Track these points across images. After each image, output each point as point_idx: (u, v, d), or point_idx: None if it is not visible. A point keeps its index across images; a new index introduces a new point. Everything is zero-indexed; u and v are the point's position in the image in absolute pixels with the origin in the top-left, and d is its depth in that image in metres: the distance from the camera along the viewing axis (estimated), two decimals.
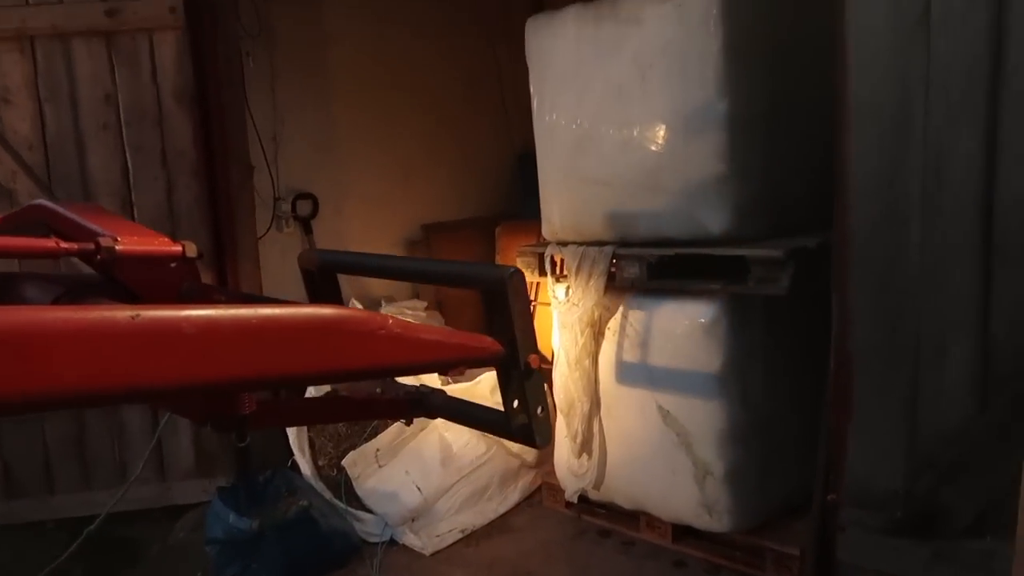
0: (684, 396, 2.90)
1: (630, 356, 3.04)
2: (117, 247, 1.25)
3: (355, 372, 1.31)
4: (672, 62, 2.74)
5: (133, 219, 3.55)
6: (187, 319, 0.97)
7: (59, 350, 0.86)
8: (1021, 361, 1.63)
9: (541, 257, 3.31)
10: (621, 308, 3.06)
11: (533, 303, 4.81)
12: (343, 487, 3.65)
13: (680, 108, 2.75)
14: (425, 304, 4.77)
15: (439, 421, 3.74)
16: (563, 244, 3.22)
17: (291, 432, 3.82)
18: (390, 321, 1.20)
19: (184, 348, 0.96)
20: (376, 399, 1.66)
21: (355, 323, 1.17)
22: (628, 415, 3.10)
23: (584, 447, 3.24)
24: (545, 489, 3.68)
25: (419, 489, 3.54)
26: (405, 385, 1.65)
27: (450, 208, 5.18)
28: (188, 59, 3.59)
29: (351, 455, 3.67)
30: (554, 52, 3.13)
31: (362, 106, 4.69)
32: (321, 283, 1.64)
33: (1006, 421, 1.70)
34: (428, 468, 3.61)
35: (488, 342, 1.40)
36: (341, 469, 3.68)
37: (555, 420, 3.45)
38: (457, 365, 1.50)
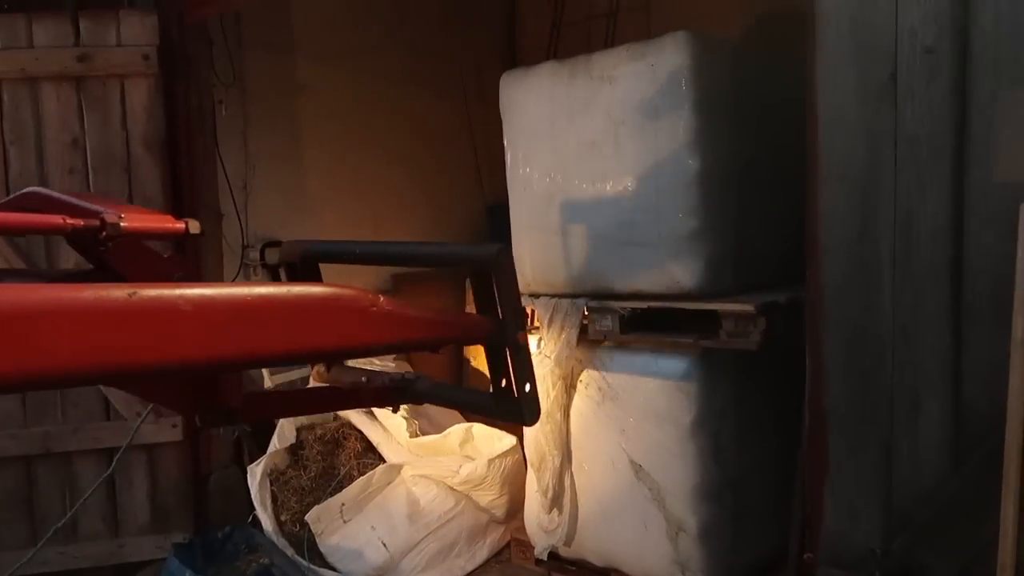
0: (657, 451, 2.88)
1: (602, 409, 3.02)
2: (122, 223, 1.24)
3: (348, 350, 1.31)
4: (644, 119, 2.79)
5: None
6: (183, 297, 0.98)
7: (57, 327, 0.86)
8: (994, 421, 1.65)
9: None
10: (593, 361, 3.05)
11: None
12: (306, 543, 3.53)
13: (652, 164, 2.79)
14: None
15: (406, 475, 3.67)
16: (535, 296, 3.21)
17: (252, 485, 3.70)
18: (381, 299, 1.21)
19: (181, 326, 0.97)
20: (362, 388, 1.66)
21: (348, 300, 1.18)
22: (600, 470, 3.07)
23: (555, 502, 3.19)
24: (514, 545, 3.61)
25: (385, 545, 3.44)
26: (390, 373, 1.65)
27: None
28: (160, 106, 3.57)
29: (315, 510, 3.57)
30: (528, 106, 3.17)
31: (334, 155, 4.69)
32: (303, 275, 1.63)
33: (981, 480, 1.71)
34: (395, 523, 3.52)
35: (478, 320, 1.43)
36: (304, 524, 3.57)
37: (526, 471, 3.40)
38: (448, 343, 1.52)
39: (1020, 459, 1.60)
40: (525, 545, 3.48)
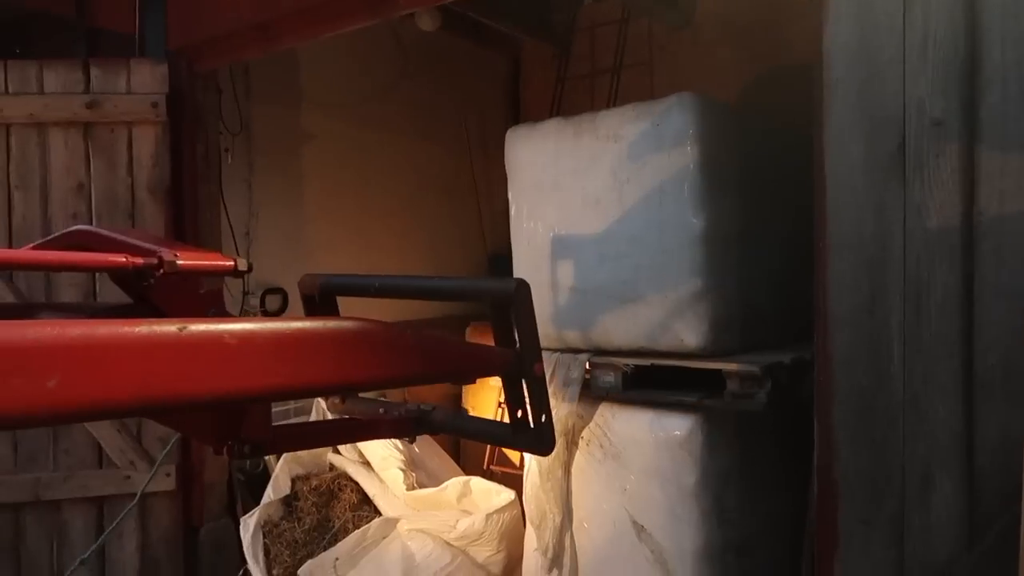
0: (659, 511, 2.83)
1: (604, 468, 2.98)
2: (179, 261, 1.30)
3: (379, 381, 1.38)
4: (649, 178, 2.81)
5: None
6: (229, 332, 1.03)
7: (118, 360, 0.91)
8: (1008, 497, 1.62)
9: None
10: (595, 418, 3.02)
11: (502, 405, 4.74)
12: None
13: (657, 223, 2.80)
14: None
15: (402, 529, 3.61)
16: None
17: (245, 537, 3.63)
18: (409, 332, 1.29)
19: (226, 359, 1.02)
20: (380, 419, 1.71)
21: (378, 333, 1.24)
22: (601, 529, 3.01)
23: (555, 562, 3.13)
24: None
25: None
26: (407, 404, 1.70)
27: (421, 306, 5.16)
28: (166, 153, 3.60)
29: (308, 565, 3.49)
30: (533, 162, 3.19)
31: (336, 204, 4.72)
32: (321, 307, 1.66)
33: (996, 559, 1.67)
34: None
35: (498, 352, 1.50)
36: None
37: (524, 530, 3.34)
38: (471, 374, 1.62)
39: None
40: None
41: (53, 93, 3.51)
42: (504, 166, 3.31)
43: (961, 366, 1.78)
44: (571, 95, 5.30)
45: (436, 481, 3.96)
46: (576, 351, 3.06)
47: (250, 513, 3.70)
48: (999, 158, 1.73)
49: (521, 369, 1.49)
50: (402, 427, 1.69)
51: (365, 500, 3.92)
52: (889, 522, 1.87)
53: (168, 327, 0.98)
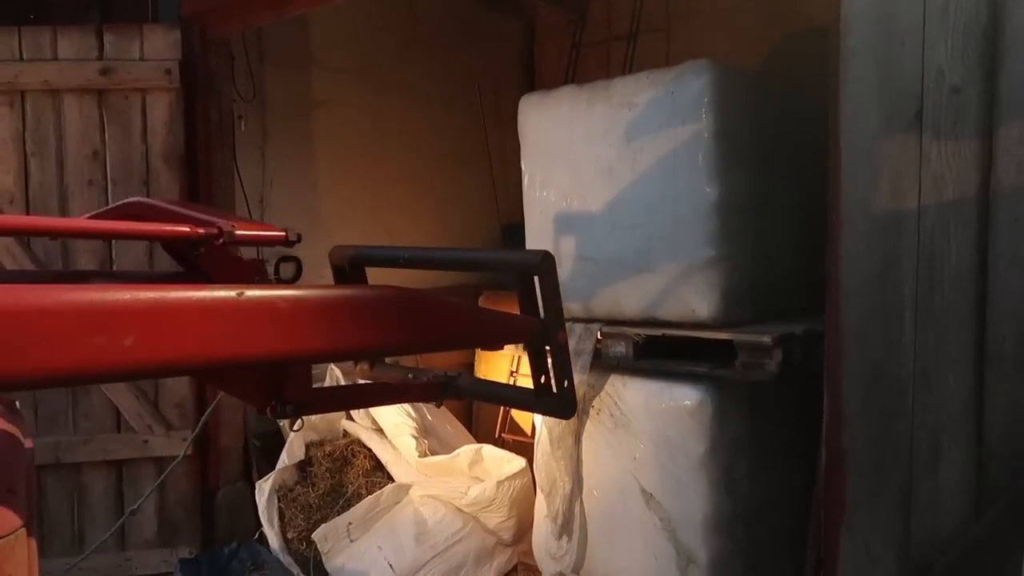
0: (668, 480, 2.85)
1: (614, 436, 3.00)
2: (236, 231, 1.36)
3: (418, 344, 1.53)
4: (663, 147, 2.78)
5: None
6: (282, 297, 1.11)
7: (182, 323, 1.00)
8: (1016, 469, 1.62)
9: None
10: (606, 387, 3.03)
11: (514, 374, 4.77)
12: (312, 562, 3.52)
13: (670, 192, 2.78)
14: None
15: (415, 495, 3.66)
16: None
17: (260, 501, 3.70)
18: (445, 300, 1.38)
19: (279, 322, 1.10)
20: (410, 384, 1.79)
21: (418, 301, 1.33)
22: (610, 497, 3.04)
23: (564, 528, 3.16)
24: (521, 570, 3.58)
25: (391, 566, 3.42)
26: (434, 371, 1.79)
27: (433, 275, 5.17)
28: (180, 120, 3.60)
29: (322, 528, 3.55)
30: (546, 130, 3.17)
31: (350, 171, 4.71)
32: (351, 278, 1.72)
33: (1002, 529, 1.68)
34: (401, 544, 3.50)
35: (525, 320, 1.57)
36: (311, 543, 3.56)
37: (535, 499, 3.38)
38: (500, 340, 1.71)
39: None
40: (532, 570, 3.45)
41: (67, 60, 3.51)
42: (518, 134, 3.29)
43: (973, 338, 1.77)
44: (586, 62, 5.24)
45: (448, 448, 4.01)
46: (588, 321, 3.07)
47: (265, 478, 3.76)
48: (1018, 127, 1.70)
49: (545, 336, 1.55)
50: (431, 391, 1.76)
51: (378, 466, 3.98)
52: (896, 492, 1.88)
53: (228, 292, 1.05)
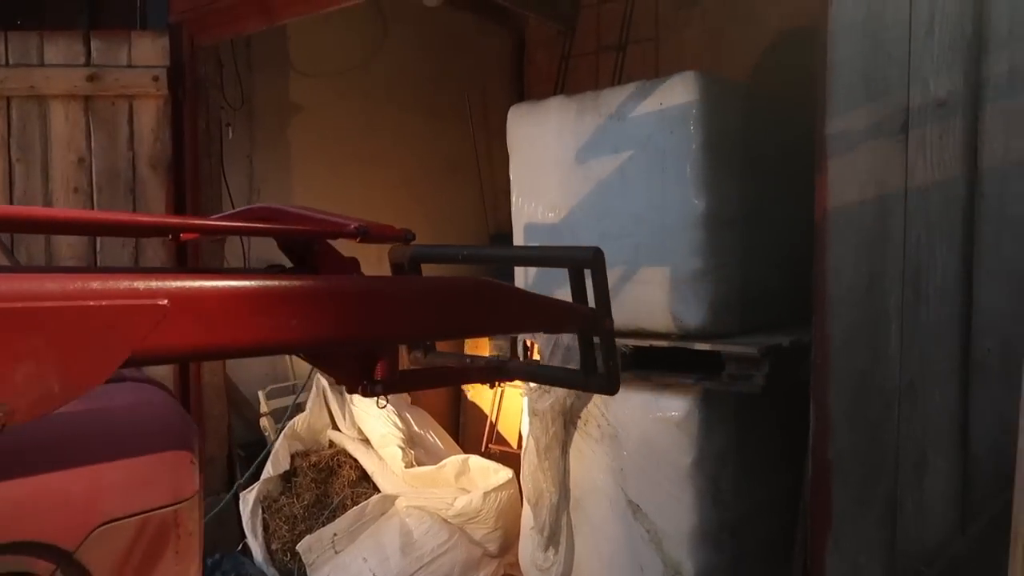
0: (655, 492, 2.84)
1: (601, 447, 2.99)
2: (370, 230, 1.51)
3: (497, 328, 1.88)
4: (652, 159, 2.79)
5: None
6: (397, 286, 1.40)
7: (333, 306, 1.23)
8: (1002, 481, 1.62)
9: (514, 341, 3.27)
10: (594, 399, 3.02)
11: (501, 384, 4.76)
12: (296, 574, 3.49)
13: (658, 204, 2.78)
14: None
15: (400, 506, 3.63)
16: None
17: (244, 512, 3.66)
18: (518, 289, 1.65)
19: (393, 307, 1.33)
20: (468, 367, 2.00)
21: (497, 288, 1.54)
22: (597, 509, 3.02)
23: (551, 540, 3.14)
24: None
25: None
26: (487, 357, 2.03)
27: (454, 272, 5.16)
28: (167, 127, 3.58)
29: (306, 539, 3.52)
30: (535, 140, 3.17)
31: (338, 179, 4.70)
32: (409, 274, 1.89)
33: (987, 541, 1.67)
34: (387, 555, 3.47)
35: (582, 308, 1.75)
36: (295, 554, 3.52)
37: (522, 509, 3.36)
38: (561, 326, 1.98)
39: None
40: None
41: (54, 65, 3.49)
42: (507, 144, 3.29)
43: (958, 349, 1.78)
44: (575, 73, 5.25)
45: (435, 459, 3.98)
46: None
47: (249, 488, 3.72)
48: (1003, 141, 1.71)
49: (596, 324, 1.74)
50: (487, 373, 1.98)
51: (364, 477, 3.95)
52: (882, 503, 1.88)
53: (360, 282, 1.31)
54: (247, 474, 3.84)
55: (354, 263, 1.54)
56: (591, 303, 1.79)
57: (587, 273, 1.75)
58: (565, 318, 1.80)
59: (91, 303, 0.96)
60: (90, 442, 1.42)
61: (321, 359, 1.56)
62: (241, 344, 1.14)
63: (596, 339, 1.84)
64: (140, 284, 1.01)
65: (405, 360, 2.02)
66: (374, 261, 1.96)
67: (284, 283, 1.18)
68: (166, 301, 1.01)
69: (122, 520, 1.39)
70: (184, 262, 3.64)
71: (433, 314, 1.42)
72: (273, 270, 1.54)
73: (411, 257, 1.87)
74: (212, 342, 1.09)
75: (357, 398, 3.97)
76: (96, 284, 0.98)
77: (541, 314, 1.74)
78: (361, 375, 1.53)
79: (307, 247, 1.52)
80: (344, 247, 1.54)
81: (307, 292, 1.20)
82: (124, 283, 0.99)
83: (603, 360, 1.78)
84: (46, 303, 0.92)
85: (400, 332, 1.41)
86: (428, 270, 1.88)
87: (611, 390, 1.84)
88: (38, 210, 1.36)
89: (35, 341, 0.91)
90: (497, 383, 4.67)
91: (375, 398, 1.57)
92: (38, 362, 0.92)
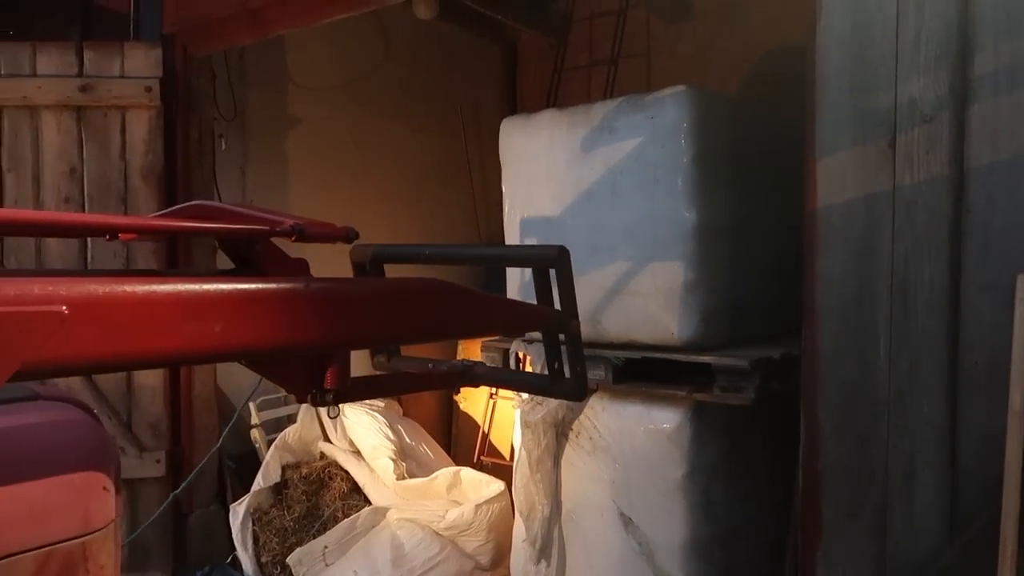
0: (646, 504, 2.84)
1: (593, 460, 2.99)
2: (308, 229, 1.45)
3: (458, 331, 1.81)
4: (643, 171, 2.80)
5: None
6: (340, 288, 1.28)
7: (260, 312, 1.13)
8: (990, 492, 1.63)
9: (506, 353, 3.28)
10: (585, 410, 3.02)
11: (494, 396, 4.75)
12: None
13: (649, 216, 2.80)
14: None
15: (392, 518, 3.62)
16: (528, 341, 3.19)
17: (234, 524, 3.64)
18: (478, 291, 1.53)
19: (337, 311, 1.26)
20: (430, 373, 1.91)
21: (453, 290, 1.47)
22: (590, 521, 3.02)
23: (543, 553, 3.13)
24: None
25: None
26: (452, 361, 1.91)
27: (421, 271, 5.15)
28: (159, 138, 3.58)
29: (297, 552, 3.50)
30: (527, 153, 3.18)
31: (330, 191, 4.70)
32: (371, 275, 1.83)
33: (976, 554, 1.68)
34: (378, 568, 3.45)
35: (545, 310, 1.69)
36: (286, 567, 3.50)
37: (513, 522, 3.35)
38: (522, 328, 1.94)
39: (1016, 533, 1.58)
40: None
41: (46, 76, 3.48)
42: (499, 156, 3.31)
43: (946, 362, 1.79)
44: (568, 86, 5.28)
45: (426, 471, 3.97)
46: None
47: (239, 500, 3.70)
48: (989, 155, 1.73)
49: (561, 325, 1.68)
50: (450, 379, 1.90)
51: (355, 489, 3.93)
52: (872, 515, 1.88)
53: (296, 284, 1.21)
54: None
55: (302, 264, 1.48)
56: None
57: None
58: (528, 319, 1.75)
59: None
60: None
61: (265, 367, 1.49)
62: (155, 354, 1.06)
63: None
64: (35, 289, 0.92)
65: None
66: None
67: (204, 286, 1.08)
68: (64, 308, 0.93)
69: (22, 554, 1.26)
70: (175, 266, 3.63)
71: (380, 318, 1.35)
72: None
73: (372, 257, 1.81)
74: (120, 352, 1.01)
75: (348, 410, 3.96)
76: None
77: (501, 315, 1.67)
78: (310, 383, 1.47)
79: (248, 247, 1.45)
80: (322, 251, 1.51)
81: (233, 295, 1.10)
82: (15, 288, 0.91)
83: (570, 364, 1.72)
84: None
85: (344, 337, 1.31)
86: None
87: (578, 396, 1.78)
88: None
89: None
90: (490, 394, 4.70)
91: (325, 407, 1.54)
92: None
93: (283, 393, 4.31)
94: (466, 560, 3.60)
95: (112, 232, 1.30)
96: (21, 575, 1.24)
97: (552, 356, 1.72)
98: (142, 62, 3.57)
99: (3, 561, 1.22)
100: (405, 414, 4.43)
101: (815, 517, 1.96)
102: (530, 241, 3.19)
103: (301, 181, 4.61)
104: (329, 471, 3.97)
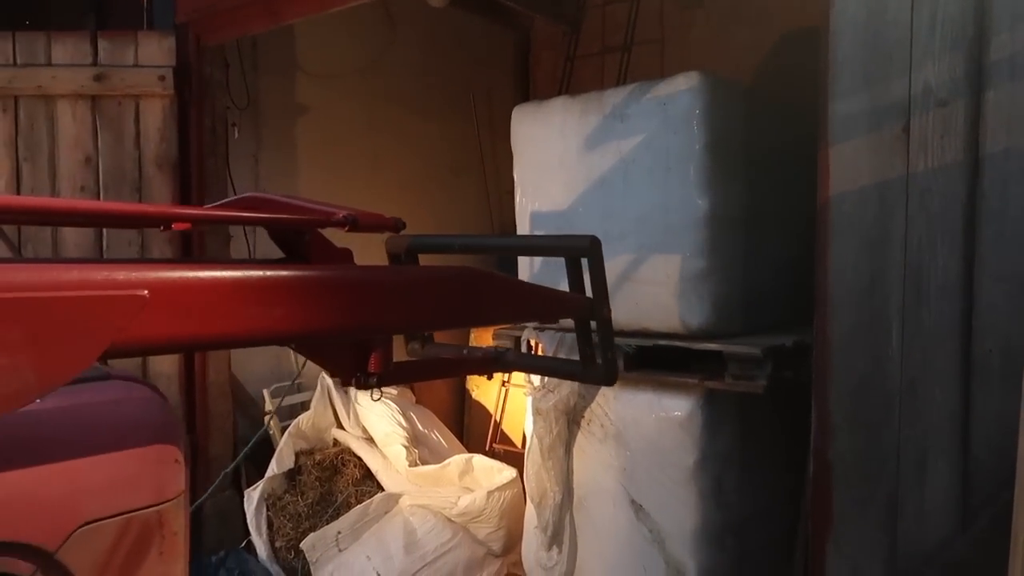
0: (658, 491, 2.85)
1: (605, 447, 2.99)
2: (359, 219, 1.51)
3: (496, 317, 1.80)
4: (655, 159, 2.79)
5: None
6: (383, 274, 1.38)
7: (320, 297, 1.22)
8: (1003, 481, 1.62)
9: (518, 340, 3.28)
10: (597, 398, 3.02)
11: (506, 384, 4.76)
12: (300, 572, 3.50)
13: (661, 204, 2.78)
14: None
15: (404, 504, 3.64)
16: (541, 329, 3.19)
17: (249, 510, 3.68)
18: (514, 279, 1.66)
19: (384, 297, 1.33)
20: (465, 359, 1.99)
21: (491, 278, 1.55)
22: (601, 508, 3.03)
23: (554, 539, 3.15)
24: None
25: None
26: (484, 348, 2.04)
27: (442, 260, 5.16)
28: (173, 127, 3.60)
29: (310, 537, 3.53)
30: (539, 140, 3.18)
31: (343, 179, 4.71)
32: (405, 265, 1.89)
33: (988, 543, 1.67)
34: (390, 554, 3.48)
35: (577, 297, 1.73)
36: (299, 552, 3.54)
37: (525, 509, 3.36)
38: (556, 315, 1.95)
39: None
40: None
41: (61, 65, 3.51)
42: (511, 144, 3.30)
43: (959, 350, 1.77)
44: (580, 73, 5.25)
45: (439, 458, 3.99)
46: None
47: (254, 486, 3.74)
48: (1004, 142, 1.71)
49: (592, 312, 1.71)
50: (484, 364, 1.94)
51: (368, 475, 3.96)
52: (883, 504, 1.87)
53: (349, 272, 1.30)
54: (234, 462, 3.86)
55: (347, 254, 1.52)
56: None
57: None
58: (561, 306, 1.78)
59: (68, 294, 0.94)
60: (72, 441, 1.40)
61: (314, 351, 1.54)
62: (223, 335, 1.13)
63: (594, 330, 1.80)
64: (119, 275, 0.99)
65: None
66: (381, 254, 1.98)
67: (267, 273, 1.16)
68: (145, 292, 0.99)
69: (105, 520, 1.35)
70: (190, 256, 3.65)
71: (423, 304, 1.42)
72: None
73: (408, 247, 1.86)
74: (193, 333, 1.08)
75: (361, 396, 3.98)
76: (74, 275, 0.96)
77: (535, 302, 1.71)
78: (355, 367, 1.53)
79: (298, 237, 1.50)
80: (348, 239, 1.52)
81: (291, 282, 1.18)
82: (102, 274, 0.98)
83: (600, 351, 1.75)
84: (22, 294, 0.90)
85: (390, 322, 1.39)
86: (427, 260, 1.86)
87: (608, 381, 1.82)
88: (32, 200, 1.32)
89: (10, 332, 0.89)
90: (502, 382, 4.70)
91: (369, 391, 1.57)
92: (13, 354, 0.90)
93: (297, 380, 4.35)
94: (478, 546, 3.63)
95: (167, 223, 1.36)
96: (104, 540, 1.34)
97: (584, 343, 1.76)
98: (156, 51, 3.58)
99: (88, 527, 1.31)
100: (418, 401, 4.45)
101: (826, 506, 1.96)
102: (541, 230, 3.19)
103: (313, 168, 4.62)
104: (342, 457, 4.00)
